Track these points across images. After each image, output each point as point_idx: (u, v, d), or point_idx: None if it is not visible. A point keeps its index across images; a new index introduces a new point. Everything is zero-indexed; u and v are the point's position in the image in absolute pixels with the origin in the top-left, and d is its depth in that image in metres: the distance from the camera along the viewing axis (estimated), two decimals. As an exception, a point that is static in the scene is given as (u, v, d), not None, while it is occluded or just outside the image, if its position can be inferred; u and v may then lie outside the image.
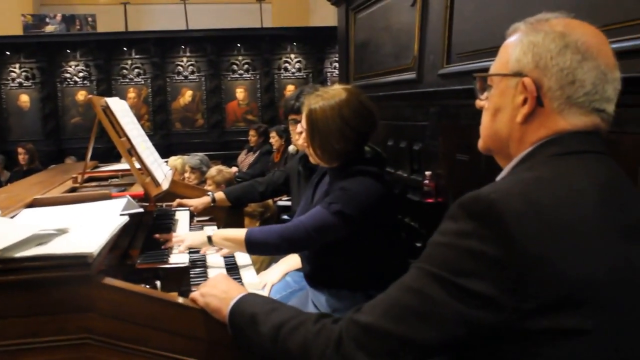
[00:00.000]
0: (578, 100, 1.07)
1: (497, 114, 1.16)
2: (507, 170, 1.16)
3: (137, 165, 2.30)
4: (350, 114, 2.12)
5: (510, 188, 0.99)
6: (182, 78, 10.06)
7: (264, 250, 2.26)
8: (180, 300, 1.43)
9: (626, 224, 1.01)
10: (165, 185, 2.41)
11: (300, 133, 2.40)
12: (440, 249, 1.00)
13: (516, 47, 1.13)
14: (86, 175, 2.58)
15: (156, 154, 2.84)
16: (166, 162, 4.71)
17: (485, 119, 1.20)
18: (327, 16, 5.81)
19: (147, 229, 2.42)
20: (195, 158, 5.44)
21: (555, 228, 0.94)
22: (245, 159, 7.79)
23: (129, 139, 2.22)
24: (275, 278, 2.92)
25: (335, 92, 2.17)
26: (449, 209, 1.03)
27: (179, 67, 10.04)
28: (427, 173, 3.37)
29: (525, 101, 1.10)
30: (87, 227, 1.53)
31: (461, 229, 0.97)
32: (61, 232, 1.45)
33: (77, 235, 1.45)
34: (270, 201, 4.41)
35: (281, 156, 6.56)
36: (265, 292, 2.80)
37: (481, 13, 2.63)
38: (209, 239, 2.19)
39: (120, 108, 2.40)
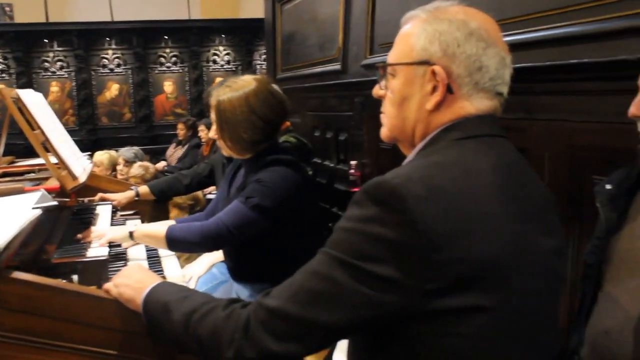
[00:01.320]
0: (485, 85, 1.11)
1: (404, 102, 1.17)
2: (412, 155, 1.18)
3: (54, 160, 2.23)
4: (258, 103, 2.12)
5: (412, 173, 1.02)
6: (108, 71, 9.77)
7: (185, 248, 2.23)
8: (93, 291, 1.41)
9: (522, 205, 1.06)
10: (83, 178, 2.34)
11: None
12: (346, 234, 1.02)
13: (420, 35, 1.14)
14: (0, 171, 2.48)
15: (75, 148, 2.77)
16: (89, 155, 4.60)
17: (389, 108, 1.21)
18: (257, 8, 5.76)
19: (65, 224, 2.36)
20: (130, 151, 5.32)
21: (455, 211, 0.97)
22: (174, 152, 7.66)
23: (43, 132, 2.15)
24: (202, 270, 2.90)
25: (244, 82, 2.16)
26: (354, 194, 1.05)
27: (104, 60, 9.74)
28: (353, 162, 3.43)
29: (434, 89, 1.12)
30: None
31: (365, 214, 0.99)
32: (-33, 227, 1.40)
33: (-17, 230, 1.40)
34: (199, 194, 4.38)
35: (210, 149, 6.49)
36: (191, 285, 2.79)
37: (402, 4, 2.69)
38: (130, 234, 2.16)
39: (34, 100, 2.33)
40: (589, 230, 1.63)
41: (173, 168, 6.67)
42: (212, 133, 2.27)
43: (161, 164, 7.44)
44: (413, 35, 1.15)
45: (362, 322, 1.00)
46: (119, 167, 5.25)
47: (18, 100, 2.13)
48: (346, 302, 0.98)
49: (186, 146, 7.40)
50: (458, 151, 1.08)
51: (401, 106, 1.18)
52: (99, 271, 1.91)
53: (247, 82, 2.16)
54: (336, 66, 3.77)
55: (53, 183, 2.20)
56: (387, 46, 2.97)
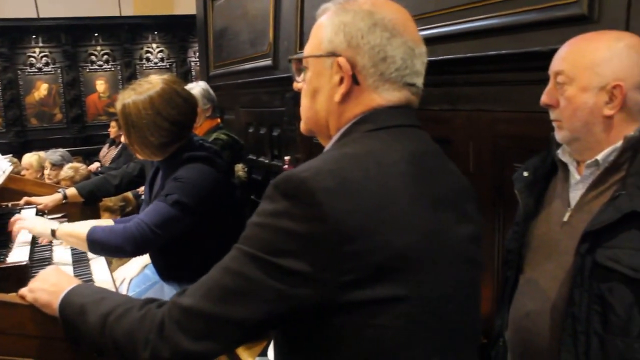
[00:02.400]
0: (391, 76, 1.11)
1: (316, 95, 1.17)
2: (328, 147, 1.18)
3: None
4: (163, 104, 2.08)
5: (322, 166, 1.01)
6: (36, 70, 9.41)
7: (107, 251, 2.12)
8: (7, 298, 1.35)
9: (436, 194, 1.07)
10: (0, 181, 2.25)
11: None
12: (257, 230, 1.01)
13: (327, 27, 1.13)
14: None
15: (-7, 150, 2.65)
16: (9, 157, 4.42)
17: (304, 101, 1.21)
18: (191, 4, 5.64)
19: (-16, 229, 2.27)
20: (56, 154, 5.14)
21: (366, 202, 0.97)
22: (108, 153, 7.45)
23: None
24: (134, 272, 2.86)
25: (149, 84, 2.12)
26: (266, 189, 1.04)
27: (32, 59, 9.37)
28: (286, 158, 3.43)
29: (342, 80, 1.12)
30: None
31: (276, 209, 0.98)
32: None
33: None
34: (130, 194, 4.28)
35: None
36: (124, 287, 2.74)
37: (328, -1, 2.70)
38: (53, 232, 2.08)
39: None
40: (512, 216, 1.68)
41: (107, 169, 6.49)
42: (124, 138, 2.22)
43: (94, 165, 7.23)
44: (322, 27, 1.15)
45: (278, 317, 0.99)
46: (46, 172, 5.07)
47: None
48: (260, 297, 0.97)
49: (120, 146, 7.21)
50: (370, 143, 1.08)
51: (313, 98, 1.18)
52: (20, 277, 1.83)
53: (152, 84, 2.11)
54: (267, 62, 3.76)
55: (-33, 187, 2.10)
56: (317, 41, 3.00)
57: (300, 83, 1.21)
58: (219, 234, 2.15)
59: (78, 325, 1.19)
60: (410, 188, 1.03)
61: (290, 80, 3.45)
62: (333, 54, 1.12)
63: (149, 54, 9.90)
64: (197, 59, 9.48)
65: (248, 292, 0.98)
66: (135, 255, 2.37)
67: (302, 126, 1.24)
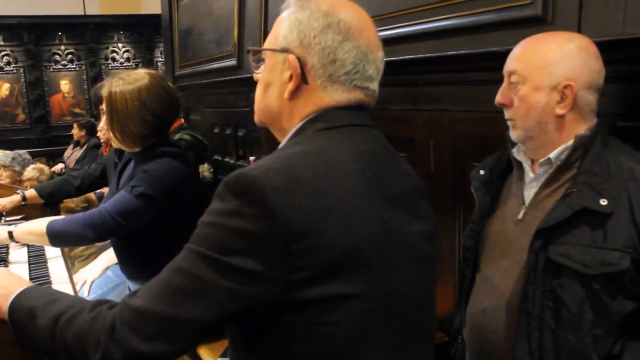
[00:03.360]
0: (339, 78, 1.11)
1: (268, 88, 1.17)
2: (282, 145, 1.18)
3: None
4: (149, 98, 2.11)
5: (272, 164, 1.00)
6: (-3, 70, 9.23)
7: (69, 241, 2.12)
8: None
9: (388, 192, 1.08)
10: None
11: None
12: (208, 229, 1.00)
13: (285, 23, 1.14)
14: None
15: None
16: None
17: (257, 92, 1.21)
18: (158, 3, 5.56)
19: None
20: (7, 155, 5.03)
21: (316, 201, 0.97)
22: (72, 154, 7.32)
23: None
24: (96, 273, 2.80)
25: (137, 76, 2.15)
26: (217, 187, 1.04)
27: (-7, 58, 9.20)
28: (251, 158, 3.42)
29: (291, 77, 1.12)
30: None
31: (226, 208, 0.98)
32: None
33: None
34: (92, 195, 4.22)
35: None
36: (85, 289, 2.69)
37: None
38: (10, 234, 2.04)
39: None
40: (471, 214, 1.70)
41: (71, 170, 6.38)
42: (102, 124, 2.26)
43: (59, 166, 7.11)
44: (280, 22, 1.16)
45: (230, 316, 0.99)
46: None
47: None
48: (211, 297, 0.96)
49: (84, 147, 7.10)
50: (321, 141, 1.08)
51: (265, 92, 1.18)
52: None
53: (140, 76, 2.15)
54: (232, 62, 3.74)
55: None
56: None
57: (258, 74, 1.21)
58: (186, 233, 2.12)
59: (28, 329, 1.16)
60: (360, 186, 1.03)
61: (254, 80, 3.43)
62: (286, 50, 1.12)
63: (114, 54, 9.76)
64: (164, 59, 9.43)
65: (199, 291, 0.97)
66: (96, 242, 2.35)
67: (255, 117, 1.24)
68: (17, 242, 2.14)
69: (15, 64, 9.28)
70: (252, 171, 0.98)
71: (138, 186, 2.06)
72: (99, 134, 6.69)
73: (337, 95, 1.12)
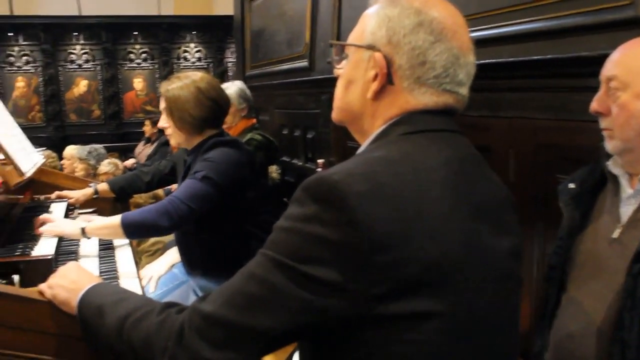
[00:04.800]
0: (427, 81, 1.03)
1: (350, 86, 1.11)
2: (363, 148, 1.12)
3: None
4: (205, 85, 2.28)
5: (354, 169, 0.94)
6: (76, 67, 9.52)
7: (143, 231, 2.17)
8: (26, 293, 1.32)
9: (475, 203, 0.99)
10: (29, 174, 2.24)
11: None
12: (284, 235, 0.94)
13: (373, 18, 1.07)
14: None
15: (25, 142, 2.65)
16: (48, 152, 4.46)
17: (338, 89, 1.15)
18: (230, 5, 5.62)
19: (14, 222, 2.25)
20: (83, 149, 5.18)
21: (400, 210, 0.90)
22: (143, 150, 7.50)
23: (-14, 125, 2.05)
24: (162, 270, 2.82)
25: (192, 73, 2.35)
26: (295, 191, 0.98)
27: (72, 55, 9.49)
28: (320, 161, 3.37)
29: (376, 77, 1.05)
30: None
31: (304, 213, 0.92)
32: None
33: None
34: (160, 192, 4.27)
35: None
36: (151, 285, 2.71)
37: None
38: (83, 230, 2.07)
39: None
40: (554, 230, 1.59)
41: (142, 166, 6.53)
42: (162, 122, 2.38)
43: (130, 162, 7.29)
44: (368, 17, 1.09)
45: (303, 329, 0.93)
46: (75, 165, 5.09)
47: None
48: (285, 307, 0.91)
49: (155, 144, 7.26)
50: (405, 146, 1.01)
51: (347, 89, 1.12)
52: (44, 271, 1.79)
53: (194, 73, 2.35)
54: (303, 63, 3.72)
55: (-3, 179, 2.08)
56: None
57: (339, 70, 1.15)
58: (246, 224, 2.32)
59: (95, 327, 1.15)
60: (447, 195, 0.95)
61: (326, 82, 3.40)
62: (372, 47, 1.05)
63: (186, 54, 9.95)
64: (234, 60, 9.54)
65: (273, 301, 0.91)
66: (171, 231, 2.40)
67: (334, 115, 1.17)
68: (89, 238, 2.16)
69: (93, 61, 9.59)
70: (333, 175, 0.91)
71: (200, 171, 2.17)
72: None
73: (425, 99, 1.04)
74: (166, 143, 7.07)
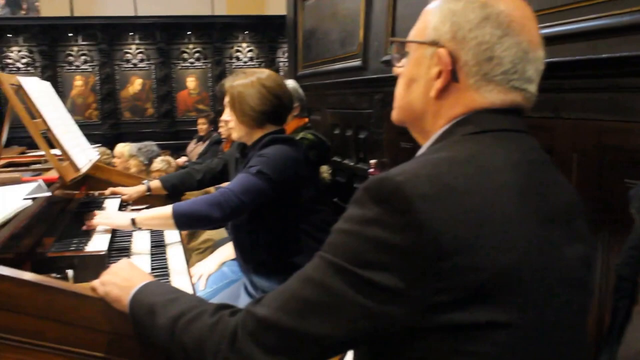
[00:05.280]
0: (495, 78, 0.98)
1: (411, 84, 1.07)
2: (424, 148, 1.07)
3: (57, 151, 2.16)
4: (268, 80, 2.31)
5: (419, 169, 0.90)
6: (131, 66, 9.75)
7: (194, 222, 2.16)
8: (79, 289, 1.32)
9: (545, 208, 0.94)
10: (84, 170, 2.27)
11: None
12: (343, 237, 0.90)
13: (435, 13, 1.03)
14: (5, 161, 2.41)
15: (81, 139, 2.69)
16: (102, 148, 4.55)
17: (399, 88, 1.11)
18: (282, 4, 5.66)
19: (69, 217, 2.29)
20: (134, 146, 5.26)
21: (466, 213, 0.85)
22: (195, 148, 7.60)
23: (45, 121, 2.08)
24: (212, 268, 2.83)
25: (256, 70, 2.39)
26: (355, 192, 0.94)
27: (128, 55, 9.72)
28: (372, 161, 3.32)
29: (440, 74, 1.01)
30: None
31: (365, 215, 0.88)
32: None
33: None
34: (212, 189, 4.29)
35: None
36: (201, 283, 2.72)
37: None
38: (133, 221, 2.09)
39: (38, 89, 2.25)
40: (620, 238, 1.50)
41: (193, 164, 6.61)
42: (225, 115, 2.40)
43: (182, 159, 7.39)
44: (430, 12, 1.05)
45: (361, 336, 0.89)
46: (116, 160, 5.17)
47: (20, 88, 2.05)
48: (343, 313, 0.87)
49: (207, 142, 7.34)
50: (472, 147, 0.96)
51: (408, 88, 1.08)
52: (97, 267, 1.81)
53: (260, 70, 2.38)
54: (357, 62, 3.67)
55: (55, 174, 2.11)
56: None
57: (399, 68, 1.10)
58: (300, 222, 2.31)
59: (147, 326, 1.14)
60: (515, 199, 0.90)
61: (379, 82, 3.34)
62: (435, 44, 1.01)
63: (238, 53, 10.04)
64: (286, 60, 9.59)
65: (330, 306, 0.88)
66: (222, 223, 2.41)
67: (394, 115, 1.14)
68: (139, 229, 2.17)
69: (147, 61, 9.78)
70: (397, 176, 0.87)
71: (254, 166, 2.18)
72: (220, 129, 6.93)
73: (491, 97, 0.99)
74: (217, 142, 7.14)
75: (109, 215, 2.13)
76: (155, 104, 9.86)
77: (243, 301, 2.43)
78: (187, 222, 2.12)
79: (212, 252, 3.10)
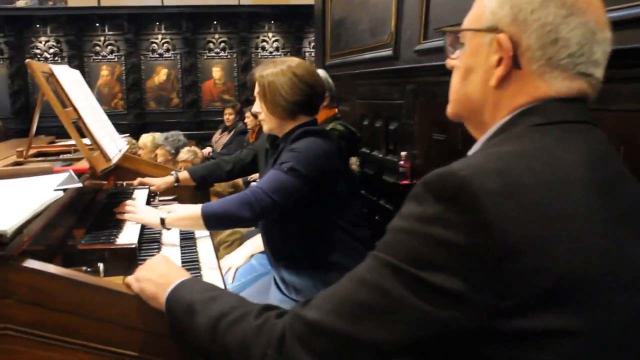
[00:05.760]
0: (561, 62, 0.92)
1: (469, 75, 1.01)
2: (482, 142, 1.00)
3: (87, 140, 2.12)
4: (299, 69, 2.22)
5: (485, 164, 0.84)
6: (157, 56, 9.78)
7: (224, 222, 2.12)
8: (114, 285, 1.27)
9: (617, 206, 0.87)
10: (115, 160, 2.23)
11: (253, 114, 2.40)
12: (401, 236, 0.84)
13: None
14: (34, 150, 2.39)
15: (111, 128, 2.66)
16: (128, 138, 4.54)
17: (454, 80, 1.05)
18: (309, -7, 5.67)
19: (98, 208, 2.25)
20: (161, 135, 5.25)
21: (536, 211, 0.79)
22: (220, 138, 7.59)
23: (76, 110, 2.04)
24: (240, 261, 2.79)
25: (286, 58, 2.30)
26: (413, 187, 0.88)
27: (154, 45, 9.76)
28: (403, 153, 3.25)
29: (500, 61, 0.94)
30: (12, 203, 1.36)
31: (426, 213, 0.82)
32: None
33: (-3, 213, 1.28)
34: (239, 181, 4.26)
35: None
36: (229, 276, 2.68)
37: (460, -16, 2.49)
38: (162, 221, 2.03)
39: (69, 78, 2.22)
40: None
41: (218, 154, 6.59)
42: (255, 107, 2.32)
43: (207, 150, 7.39)
44: None
45: (419, 343, 0.83)
46: (140, 151, 5.16)
47: (51, 76, 2.02)
48: (400, 318, 0.81)
49: (232, 132, 7.32)
50: (539, 139, 0.89)
51: (465, 79, 1.02)
52: (128, 260, 1.78)
53: (290, 59, 2.30)
54: (388, 52, 3.58)
55: (85, 164, 2.08)
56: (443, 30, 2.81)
57: (454, 60, 1.03)
58: (333, 217, 2.23)
59: (185, 325, 1.09)
60: (587, 197, 0.83)
61: (411, 72, 3.24)
62: (494, 29, 0.94)
63: (264, 43, 10.01)
64: (312, 50, 9.51)
65: (386, 310, 0.82)
66: (253, 223, 2.39)
67: (450, 109, 1.07)
68: (169, 229, 2.13)
69: (173, 50, 9.81)
70: (460, 171, 0.80)
71: (286, 162, 2.09)
72: (246, 120, 6.91)
73: (557, 84, 0.92)
74: (243, 132, 7.12)
75: (139, 212, 2.09)
76: (181, 94, 9.89)
77: (273, 295, 2.38)
78: (217, 223, 2.07)
79: (239, 244, 3.07)
